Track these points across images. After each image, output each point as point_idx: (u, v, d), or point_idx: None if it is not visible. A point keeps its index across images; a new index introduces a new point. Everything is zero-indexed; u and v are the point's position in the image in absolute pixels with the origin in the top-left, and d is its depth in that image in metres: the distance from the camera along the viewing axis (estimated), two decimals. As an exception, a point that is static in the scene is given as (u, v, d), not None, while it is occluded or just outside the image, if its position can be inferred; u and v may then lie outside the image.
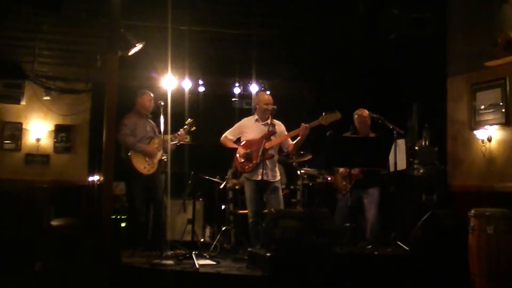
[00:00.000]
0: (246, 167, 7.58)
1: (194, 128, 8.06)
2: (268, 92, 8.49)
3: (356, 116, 8.02)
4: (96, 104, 9.74)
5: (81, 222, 8.09)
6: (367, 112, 7.95)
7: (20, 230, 9.13)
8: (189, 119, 8.08)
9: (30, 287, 7.66)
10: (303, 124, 7.37)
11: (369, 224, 7.82)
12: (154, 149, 7.91)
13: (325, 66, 10.62)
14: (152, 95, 8.14)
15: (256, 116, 7.80)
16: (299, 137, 7.46)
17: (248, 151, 7.58)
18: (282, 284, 6.13)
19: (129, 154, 7.84)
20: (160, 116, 7.40)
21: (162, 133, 7.49)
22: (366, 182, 7.80)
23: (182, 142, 7.96)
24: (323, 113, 7.36)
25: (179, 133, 7.91)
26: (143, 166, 7.86)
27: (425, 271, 6.51)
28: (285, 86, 10.93)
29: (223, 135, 7.85)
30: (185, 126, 7.99)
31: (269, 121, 7.52)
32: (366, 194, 7.91)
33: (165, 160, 7.56)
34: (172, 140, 7.88)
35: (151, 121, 8.11)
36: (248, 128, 7.76)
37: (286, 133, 7.68)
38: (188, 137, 8.11)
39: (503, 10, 7.80)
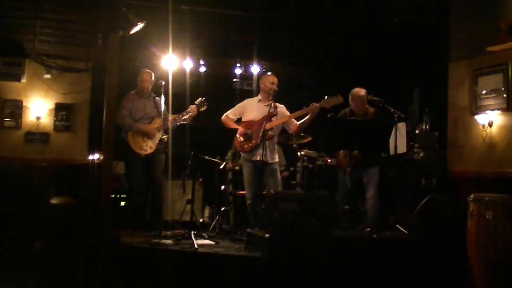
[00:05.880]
0: (245, 146, 7.60)
1: (204, 108, 8.02)
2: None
3: (350, 97, 7.96)
4: (97, 83, 9.73)
5: (81, 201, 8.08)
6: (362, 92, 7.89)
7: (19, 209, 9.15)
8: (200, 98, 8.03)
9: (29, 267, 7.68)
10: (313, 103, 7.39)
11: (368, 207, 7.82)
12: (153, 129, 7.87)
13: (326, 49, 10.60)
14: (149, 73, 8.09)
15: (259, 97, 7.83)
16: (307, 116, 7.46)
17: (248, 131, 7.59)
18: (280, 266, 6.15)
19: (127, 135, 7.85)
20: (161, 96, 7.40)
21: (162, 113, 7.49)
22: (366, 161, 7.79)
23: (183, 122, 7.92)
24: (325, 97, 7.36)
25: (188, 109, 7.88)
26: (140, 147, 7.86)
27: (423, 255, 6.53)
28: (285, 69, 10.92)
29: (224, 114, 7.89)
30: (193, 106, 7.94)
31: (271, 102, 7.52)
32: (365, 173, 7.88)
33: (165, 139, 7.53)
34: (183, 116, 7.84)
35: (155, 100, 7.95)
36: (250, 108, 7.79)
37: (288, 115, 7.69)
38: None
39: (506, -5, 7.79)
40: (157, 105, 7.87)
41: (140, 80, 8.07)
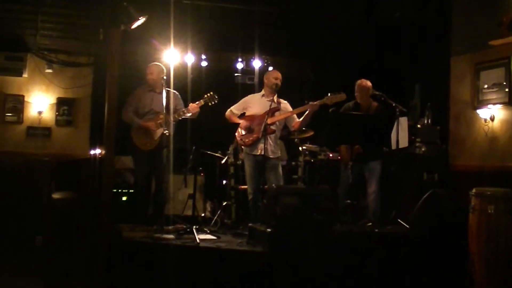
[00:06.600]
0: (247, 140, 7.62)
1: (214, 102, 7.93)
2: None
3: (356, 86, 7.97)
4: (98, 78, 9.73)
5: (82, 196, 8.09)
6: (368, 83, 7.91)
7: (20, 203, 9.16)
8: (209, 93, 7.95)
9: (30, 261, 7.69)
10: (311, 102, 7.41)
11: (370, 201, 7.83)
12: (154, 125, 7.80)
13: (328, 44, 10.59)
14: (153, 66, 8.00)
15: (263, 92, 7.87)
16: (306, 113, 7.48)
17: (250, 125, 7.62)
18: (282, 260, 6.15)
19: (131, 130, 7.85)
20: (162, 91, 7.38)
21: (164, 108, 7.47)
22: (368, 156, 7.78)
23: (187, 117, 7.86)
24: (329, 93, 7.38)
25: (189, 107, 7.83)
26: (142, 142, 7.84)
27: (424, 250, 6.52)
28: (287, 64, 10.92)
29: (228, 110, 7.93)
30: (201, 100, 7.87)
31: (274, 98, 7.53)
32: (367, 167, 7.90)
33: (167, 134, 7.50)
34: (188, 112, 7.80)
35: (167, 94, 7.56)
36: (253, 103, 7.83)
37: (291, 111, 7.70)
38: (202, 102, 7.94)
39: (508, -11, 7.77)
40: (165, 99, 7.65)
41: (145, 74, 8.03)
